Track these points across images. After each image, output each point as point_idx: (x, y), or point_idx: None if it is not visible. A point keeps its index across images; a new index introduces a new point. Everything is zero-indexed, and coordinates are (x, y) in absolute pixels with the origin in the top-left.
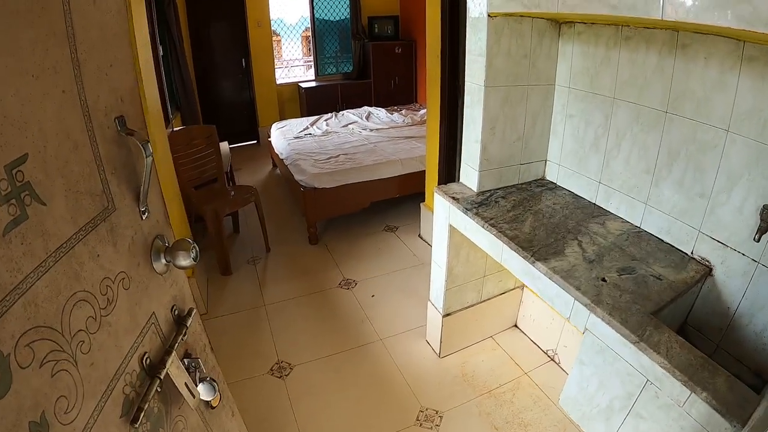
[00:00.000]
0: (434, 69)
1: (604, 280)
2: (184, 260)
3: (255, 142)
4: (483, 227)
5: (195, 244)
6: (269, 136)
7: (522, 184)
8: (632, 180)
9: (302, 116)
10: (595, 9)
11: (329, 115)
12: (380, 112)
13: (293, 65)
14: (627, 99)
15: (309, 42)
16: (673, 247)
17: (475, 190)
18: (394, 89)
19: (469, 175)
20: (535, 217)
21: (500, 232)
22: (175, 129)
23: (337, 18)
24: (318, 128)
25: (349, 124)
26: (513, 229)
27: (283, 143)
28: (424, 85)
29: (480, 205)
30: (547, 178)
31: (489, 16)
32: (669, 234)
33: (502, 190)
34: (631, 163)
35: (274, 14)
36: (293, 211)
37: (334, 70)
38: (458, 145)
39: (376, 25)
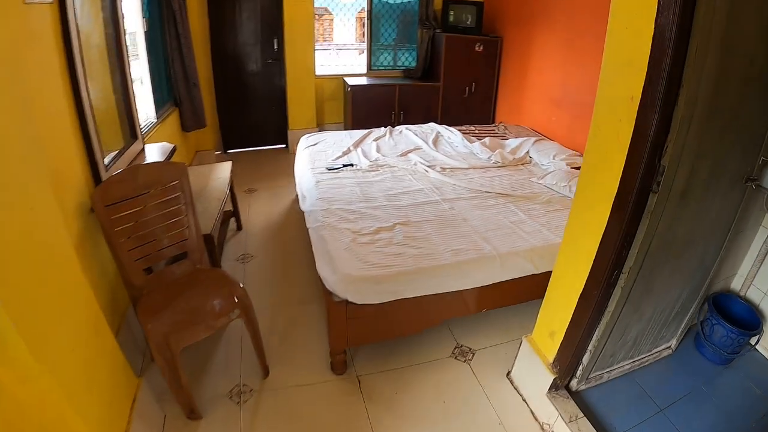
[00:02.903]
0: (616, 114)
1: None
2: None
3: (284, 146)
4: None
5: None
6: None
7: None
8: None
9: (345, 123)
10: None
11: (382, 131)
12: (454, 137)
13: (345, 48)
14: None
15: (364, 25)
16: None
17: None
18: (468, 99)
19: None
20: None
21: None
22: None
23: None
24: (364, 153)
25: (410, 151)
26: None
27: (308, 178)
28: (508, 100)
29: None
30: None
31: None
32: None
33: None
34: None
35: None
36: (315, 286)
37: (391, 62)
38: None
39: (452, 12)
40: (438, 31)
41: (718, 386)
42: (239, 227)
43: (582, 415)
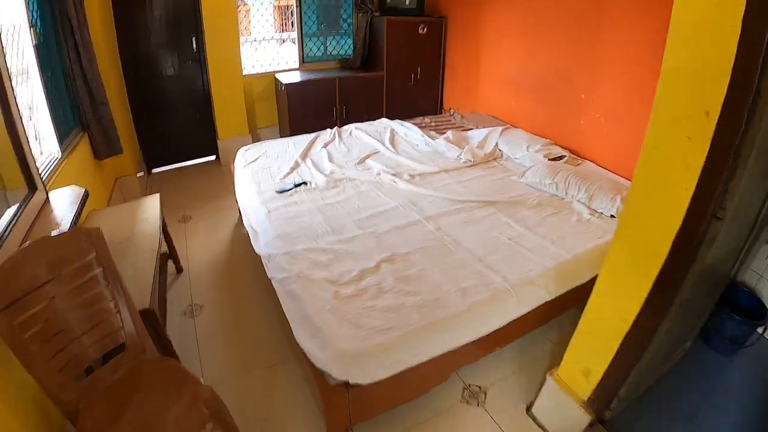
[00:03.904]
0: (684, 132)
1: None
2: None
3: (213, 158)
4: None
5: None
6: (233, 163)
7: None
8: None
9: (280, 126)
10: None
11: (329, 134)
12: (412, 133)
13: (266, 40)
14: None
15: (284, 12)
16: None
17: None
18: (414, 87)
19: None
20: None
21: None
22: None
23: None
24: (316, 166)
25: (367, 157)
26: None
27: (256, 206)
28: (458, 85)
29: None
30: None
31: None
32: None
33: None
34: None
35: None
36: (286, 340)
37: (322, 52)
38: None
39: None
40: (376, 14)
41: (735, 381)
42: (179, 269)
43: None
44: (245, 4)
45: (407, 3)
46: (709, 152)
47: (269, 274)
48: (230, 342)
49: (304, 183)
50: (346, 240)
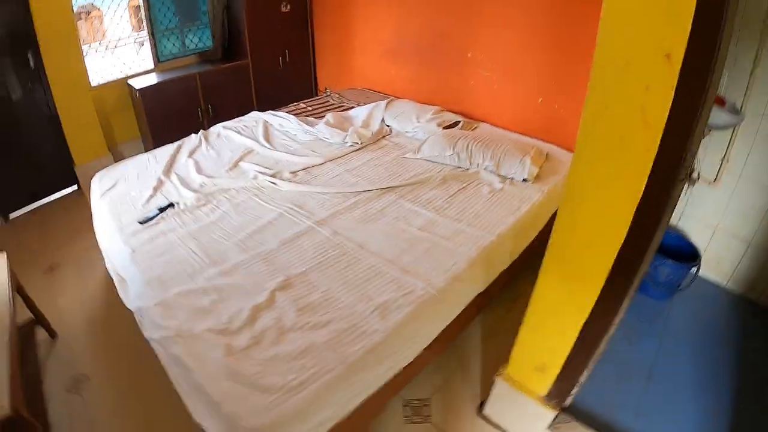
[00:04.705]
0: (641, 81)
1: None
2: None
3: (74, 188)
4: None
5: None
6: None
7: None
8: None
9: (143, 137)
10: None
11: (194, 140)
12: (288, 122)
13: (121, 45)
14: None
15: (138, 12)
16: None
17: None
18: (284, 71)
19: None
20: None
21: None
22: None
23: None
24: (182, 181)
25: (240, 159)
26: None
27: (117, 246)
28: (331, 62)
29: None
30: None
31: None
32: None
33: None
34: None
35: None
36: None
37: (180, 48)
38: None
39: None
40: None
41: (680, 327)
42: (52, 335)
43: None
44: (98, 9)
45: None
46: (673, 103)
47: (145, 334)
48: (131, 416)
49: (171, 205)
50: (229, 270)
